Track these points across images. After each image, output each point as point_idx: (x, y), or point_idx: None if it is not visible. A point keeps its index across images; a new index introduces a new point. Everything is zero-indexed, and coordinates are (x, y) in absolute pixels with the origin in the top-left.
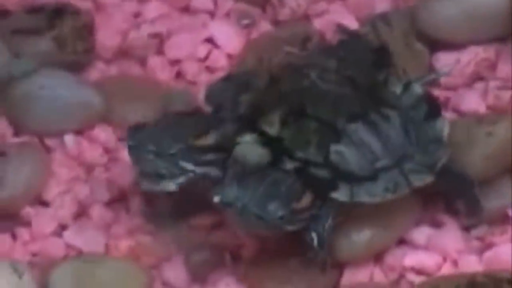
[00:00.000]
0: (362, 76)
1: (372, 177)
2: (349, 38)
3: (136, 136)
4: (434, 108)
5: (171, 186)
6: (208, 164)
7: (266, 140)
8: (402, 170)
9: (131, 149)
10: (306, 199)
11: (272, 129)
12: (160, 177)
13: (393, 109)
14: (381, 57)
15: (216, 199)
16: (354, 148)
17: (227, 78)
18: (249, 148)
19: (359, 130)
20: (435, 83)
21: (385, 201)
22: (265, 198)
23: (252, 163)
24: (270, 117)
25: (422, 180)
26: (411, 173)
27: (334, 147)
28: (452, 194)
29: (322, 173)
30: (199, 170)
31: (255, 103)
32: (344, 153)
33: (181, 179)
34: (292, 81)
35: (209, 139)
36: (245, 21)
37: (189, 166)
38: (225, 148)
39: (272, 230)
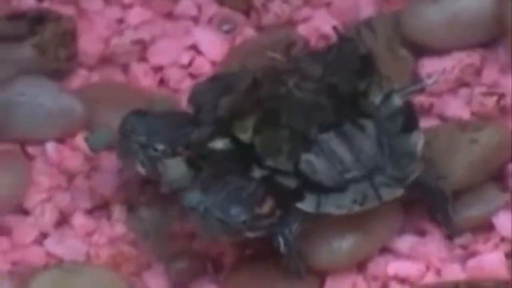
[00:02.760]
0: (345, 83)
1: (341, 188)
2: (340, 42)
3: (132, 122)
4: (411, 120)
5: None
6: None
7: (238, 146)
8: (373, 183)
9: (123, 134)
10: (267, 206)
11: (245, 136)
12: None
13: (370, 119)
14: (365, 65)
15: (182, 201)
16: (324, 158)
17: (212, 79)
18: (173, 167)
19: (331, 140)
20: (419, 92)
21: (353, 213)
22: (228, 203)
23: (171, 181)
24: (244, 123)
25: (392, 193)
26: (382, 186)
27: (304, 157)
28: (429, 206)
29: (290, 182)
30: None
31: (234, 107)
32: (314, 163)
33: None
34: (269, 87)
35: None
36: (226, 27)
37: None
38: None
39: (233, 235)
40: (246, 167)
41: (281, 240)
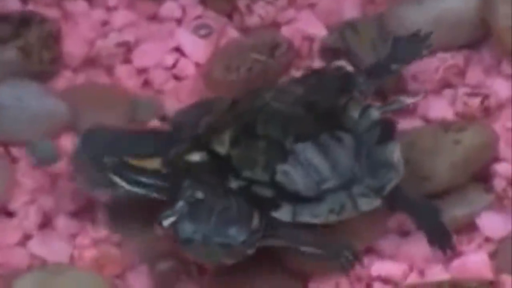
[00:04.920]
0: (325, 101)
1: (318, 197)
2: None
3: (87, 139)
4: (387, 131)
5: (103, 194)
6: (144, 187)
7: (215, 159)
8: (350, 193)
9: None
10: (256, 219)
11: (222, 148)
12: (94, 183)
13: (348, 133)
14: (345, 82)
15: (165, 223)
16: (301, 168)
17: (194, 105)
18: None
19: (307, 150)
20: (399, 110)
21: (330, 222)
22: (223, 225)
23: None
24: (222, 136)
25: (370, 204)
26: (359, 197)
27: (280, 167)
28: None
29: (266, 192)
30: (132, 188)
31: (212, 124)
32: (290, 173)
33: (113, 191)
34: (247, 103)
35: (152, 163)
36: (203, 32)
37: (119, 181)
38: (170, 173)
39: (235, 256)
40: (223, 179)
41: None
